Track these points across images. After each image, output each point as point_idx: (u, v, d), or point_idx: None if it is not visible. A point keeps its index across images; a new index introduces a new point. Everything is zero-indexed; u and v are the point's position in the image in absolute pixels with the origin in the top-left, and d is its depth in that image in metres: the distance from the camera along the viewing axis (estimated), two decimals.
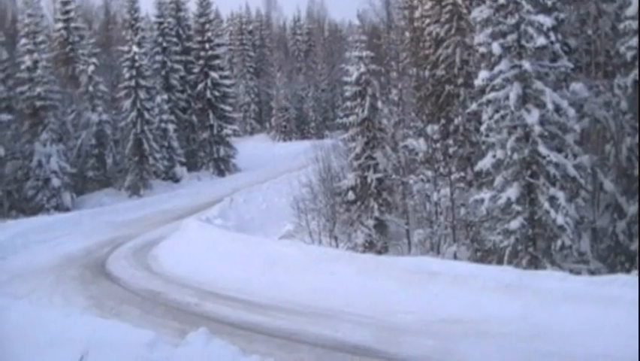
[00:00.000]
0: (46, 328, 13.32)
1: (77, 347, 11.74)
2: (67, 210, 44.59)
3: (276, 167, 51.01)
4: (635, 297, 12.18)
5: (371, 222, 26.88)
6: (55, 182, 45.72)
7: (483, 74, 21.13)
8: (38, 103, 46.66)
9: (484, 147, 22.37)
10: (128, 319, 15.96)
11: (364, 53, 27.84)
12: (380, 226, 27.12)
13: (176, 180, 54.23)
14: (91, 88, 51.32)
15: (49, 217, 38.83)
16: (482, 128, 21.67)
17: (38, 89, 46.68)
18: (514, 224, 20.37)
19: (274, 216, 31.35)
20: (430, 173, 26.13)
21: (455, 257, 23.03)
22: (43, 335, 12.94)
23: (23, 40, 48.40)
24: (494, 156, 21.07)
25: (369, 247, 26.11)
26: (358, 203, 27.56)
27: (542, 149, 20.04)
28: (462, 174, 26.15)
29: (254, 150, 64.55)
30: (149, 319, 16.80)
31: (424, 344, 13.13)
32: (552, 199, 19.94)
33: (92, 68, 51.51)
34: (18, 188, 45.47)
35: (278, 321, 15.91)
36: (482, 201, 21.46)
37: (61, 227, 33.98)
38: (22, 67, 47.48)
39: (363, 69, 27.58)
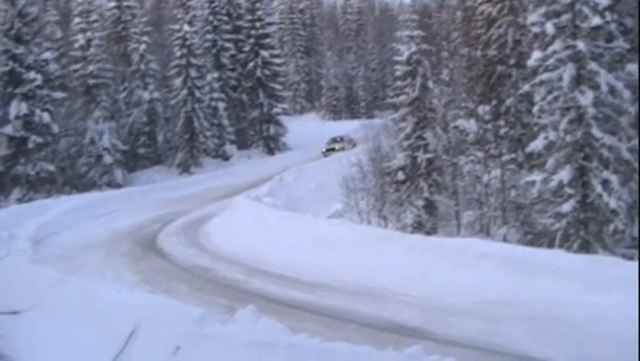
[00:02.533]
0: (97, 302, 13.52)
1: (128, 322, 11.91)
2: (118, 186, 45.17)
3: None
4: None
5: (420, 203, 26.76)
6: (108, 159, 46.32)
7: (536, 55, 20.84)
8: (91, 81, 47.25)
9: (536, 129, 22.10)
10: (178, 295, 16.12)
11: (415, 33, 27.64)
12: (429, 206, 26.98)
13: (226, 158, 54.55)
14: (142, 66, 51.81)
15: (101, 193, 39.37)
16: (534, 109, 21.40)
17: (91, 68, 47.26)
18: (566, 207, 20.10)
19: (323, 196, 31.35)
20: (480, 154, 25.88)
21: (505, 240, 22.80)
22: (95, 309, 13.15)
23: (77, 19, 49.00)
24: (546, 138, 20.79)
25: (418, 227, 26.01)
26: (408, 183, 27.44)
27: (596, 131, 19.74)
28: (513, 155, 25.85)
29: (303, 128, 64.57)
30: (198, 295, 16.95)
31: (472, 326, 13.04)
32: (605, 183, 19.64)
33: (143, 46, 51.97)
34: (71, 164, 46.17)
35: (325, 300, 15.94)
36: (533, 183, 21.22)
37: (112, 203, 34.42)
38: (76, 45, 48.09)
39: (414, 49, 27.38)
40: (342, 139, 57.38)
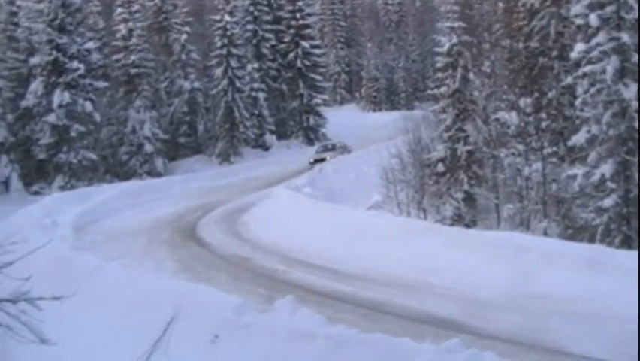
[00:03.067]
0: (138, 290, 13.67)
1: (167, 310, 12.00)
2: (159, 175, 45.54)
3: (365, 137, 50.83)
4: None
5: (460, 195, 26.60)
6: (148, 148, 46.72)
7: (579, 47, 20.58)
8: (133, 71, 47.66)
9: (578, 122, 21.85)
10: (217, 284, 16.21)
11: (456, 24, 27.44)
12: (469, 199, 26.82)
13: (265, 148, 54.72)
14: (183, 56, 52.12)
15: (142, 182, 39.76)
16: (577, 102, 21.16)
17: (133, 57, 47.67)
18: (608, 202, 19.86)
19: (363, 187, 31.32)
20: (521, 147, 25.64)
21: (545, 234, 22.59)
22: (135, 296, 13.29)
23: (119, 10, 49.42)
24: (589, 131, 20.54)
25: (458, 220, 25.87)
26: (448, 175, 27.29)
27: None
28: (554, 148, 25.58)
29: (343, 119, 64.43)
30: (237, 284, 17.04)
31: (511, 320, 12.97)
32: None
33: (184, 36, 52.28)
34: (113, 153, 46.67)
35: (364, 291, 15.95)
36: (575, 177, 20.99)
37: (153, 192, 34.74)
38: (118, 35, 48.54)
39: (455, 40, 27.19)
40: (333, 147, 49.26)
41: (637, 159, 19.70)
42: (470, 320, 13.23)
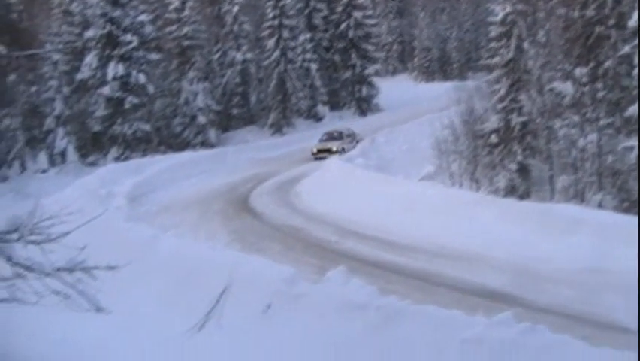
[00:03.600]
0: (191, 260, 13.83)
1: (220, 280, 12.13)
2: (212, 146, 45.85)
3: (417, 107, 50.37)
4: None
5: (513, 167, 26.31)
6: (201, 119, 47.03)
7: (637, 15, 20.13)
8: (185, 42, 47.90)
9: (635, 92, 21.40)
10: (269, 254, 16.29)
11: None
12: (523, 170, 26.51)
13: (318, 118, 54.72)
14: (235, 27, 52.20)
15: (195, 153, 40.05)
16: (634, 72, 20.72)
17: (185, 29, 47.88)
18: None
19: (415, 157, 31.14)
20: (576, 118, 25.23)
21: (600, 206, 22.25)
22: (189, 266, 13.45)
23: None
24: None
25: (511, 191, 25.60)
26: (501, 146, 26.99)
27: None
28: (611, 119, 25.11)
29: (396, 90, 64.05)
30: (290, 255, 17.13)
31: (564, 294, 12.86)
32: None
33: (236, 7, 52.32)
34: (166, 124, 47.09)
35: (416, 262, 15.95)
36: (631, 149, 20.63)
37: (206, 163, 35.00)
38: (170, 8, 48.77)
39: (509, 9, 26.76)
40: (340, 135, 41.01)
41: None
42: (523, 292, 13.15)
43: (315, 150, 38.71)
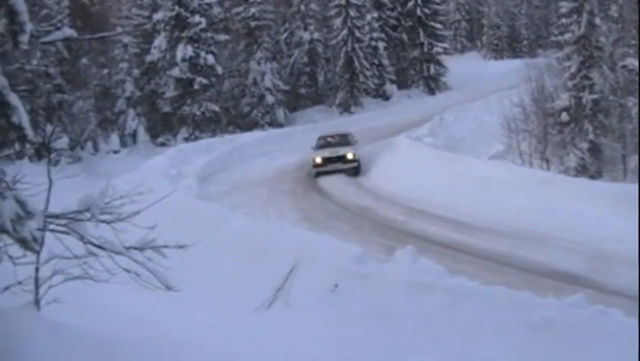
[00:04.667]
0: (260, 239, 13.92)
1: (289, 259, 12.20)
2: (280, 125, 46.07)
3: (486, 86, 49.74)
4: None
5: (585, 146, 25.85)
6: (269, 99, 47.24)
7: None
8: (253, 23, 48.08)
9: None
10: (337, 233, 16.31)
11: None
12: (594, 149, 26.02)
13: (386, 97, 54.47)
14: (303, 7, 52.20)
15: (264, 132, 40.30)
16: None
17: (253, 10, 48.06)
18: None
19: (484, 136, 30.81)
20: None
21: None
22: (258, 245, 13.54)
23: None
24: None
25: (582, 171, 25.17)
26: (572, 125, 26.54)
27: None
28: None
29: (464, 68, 63.35)
30: (358, 234, 17.11)
31: (637, 276, 12.55)
32: None
33: None
34: (235, 105, 47.47)
35: (485, 242, 15.77)
36: None
37: (274, 142, 35.16)
38: None
39: None
40: (346, 138, 29.38)
41: None
42: (594, 274, 12.88)
43: (319, 160, 27.14)
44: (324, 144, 28.85)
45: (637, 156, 24.47)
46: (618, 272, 12.87)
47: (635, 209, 15.16)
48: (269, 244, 13.47)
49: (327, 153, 27.45)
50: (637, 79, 25.30)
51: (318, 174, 26.77)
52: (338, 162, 26.87)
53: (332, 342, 9.80)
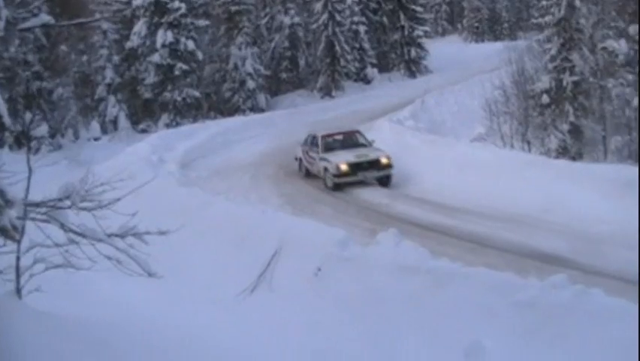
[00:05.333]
0: (243, 224, 13.92)
1: (272, 243, 12.21)
2: (261, 110, 45.92)
3: (467, 69, 49.74)
4: None
5: (565, 127, 25.94)
6: (250, 84, 47.06)
7: None
8: (233, 8, 47.81)
9: None
10: (321, 217, 16.29)
11: None
12: (575, 131, 26.12)
13: (367, 81, 54.40)
14: None
15: (245, 118, 40.17)
16: None
17: None
18: None
19: (465, 119, 30.82)
20: (630, 76, 24.73)
21: None
22: (241, 230, 13.54)
23: None
24: None
25: (563, 152, 25.27)
26: (552, 107, 26.62)
27: None
28: None
29: (445, 51, 63.28)
30: (341, 218, 17.10)
31: (622, 257, 12.61)
32: None
33: None
34: (216, 90, 47.28)
35: (468, 225, 15.84)
36: None
37: (256, 127, 35.08)
38: None
39: None
40: (363, 138, 23.44)
41: None
42: (578, 256, 12.96)
43: (344, 168, 20.85)
44: (333, 144, 22.81)
45: (618, 137, 24.61)
46: (600, 252, 12.97)
47: (616, 190, 15.28)
48: (251, 228, 13.47)
49: (353, 157, 21.10)
50: (616, 60, 25.43)
51: (338, 187, 21.00)
52: (371, 168, 20.82)
53: (316, 326, 9.84)
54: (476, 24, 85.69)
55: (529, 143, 26.47)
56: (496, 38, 78.62)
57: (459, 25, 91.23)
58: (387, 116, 30.92)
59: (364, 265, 11.05)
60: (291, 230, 12.72)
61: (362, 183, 20.97)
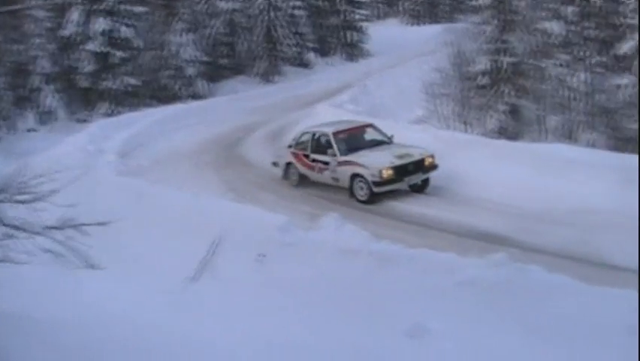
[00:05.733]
0: (184, 212, 13.83)
1: (214, 231, 12.16)
2: (201, 97, 45.54)
3: (407, 51, 50.04)
4: None
5: (503, 108, 26.31)
6: (190, 71, 46.65)
7: None
8: None
9: (623, 30, 21.36)
10: (263, 203, 16.25)
11: None
12: (513, 111, 26.51)
13: (308, 66, 54.32)
14: None
15: (185, 105, 39.78)
16: (623, 9, 20.68)
17: None
18: None
19: (405, 102, 30.97)
20: (566, 57, 25.17)
21: (591, 145, 22.26)
22: (182, 218, 13.46)
23: None
24: (634, 40, 20.22)
25: (502, 132, 25.64)
26: (490, 88, 26.96)
27: None
28: (600, 58, 24.99)
29: (385, 34, 63.42)
30: (283, 204, 17.05)
31: (559, 234, 12.87)
32: None
33: None
34: (155, 78, 46.71)
35: (409, 206, 15.97)
36: (622, 87, 20.69)
37: (196, 114, 34.77)
38: None
39: None
40: (382, 134, 19.01)
41: None
42: (517, 234, 13.18)
43: (389, 173, 16.42)
44: (352, 143, 18.27)
45: (555, 116, 25.05)
46: (539, 230, 13.20)
47: (554, 168, 15.55)
48: (194, 216, 13.40)
49: (393, 157, 16.89)
50: (552, 42, 25.85)
51: (374, 199, 16.67)
52: (418, 171, 16.91)
53: (261, 311, 9.82)
54: (416, 7, 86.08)
55: (467, 124, 26.77)
56: (435, 21, 79.12)
57: (400, 9, 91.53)
58: (327, 100, 30.97)
59: (307, 249, 11.11)
60: (233, 217, 12.70)
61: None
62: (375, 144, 18.35)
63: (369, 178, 16.46)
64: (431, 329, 8.61)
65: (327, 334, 8.93)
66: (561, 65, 25.17)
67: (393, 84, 35.53)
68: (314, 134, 19.08)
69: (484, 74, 26.95)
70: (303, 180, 18.98)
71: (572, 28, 25.28)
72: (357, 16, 58.65)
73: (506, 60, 26.40)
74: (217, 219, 12.75)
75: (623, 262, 11.05)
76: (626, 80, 20.62)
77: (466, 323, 8.71)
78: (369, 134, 18.99)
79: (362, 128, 19.33)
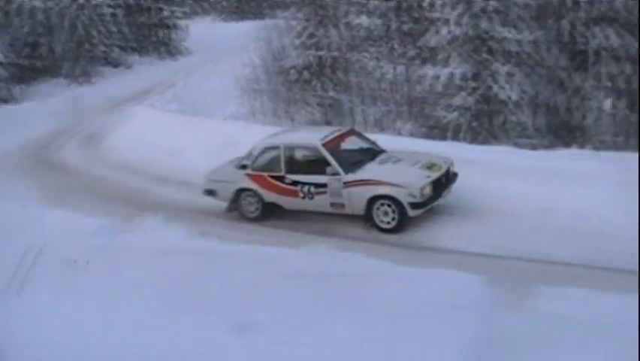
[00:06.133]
0: None
1: (29, 240, 11.75)
2: (14, 102, 43.74)
3: (220, 48, 50.14)
4: None
5: (314, 101, 26.87)
6: (1, 73, 44.74)
7: None
8: None
9: (427, 23, 22.47)
10: (81, 208, 15.90)
11: None
12: (323, 104, 27.07)
13: (128, 65, 53.27)
14: None
15: None
16: (426, 3, 21.84)
17: None
18: (469, 100, 20.83)
19: (217, 98, 30.93)
20: (373, 50, 26.07)
21: (400, 133, 23.14)
22: None
23: None
24: (437, 32, 21.32)
25: (313, 125, 26.13)
26: (301, 82, 27.44)
27: (497, 26, 20.47)
28: (413, 52, 25.90)
29: (205, 32, 63.29)
30: (103, 207, 16.81)
31: None
32: (508, 75, 20.43)
33: None
34: None
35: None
36: (431, 77, 21.75)
37: (7, 119, 33.51)
38: None
39: None
40: (371, 141, 15.67)
41: (495, 59, 20.57)
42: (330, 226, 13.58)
43: (427, 191, 13.33)
44: (354, 157, 14.75)
45: (365, 108, 25.83)
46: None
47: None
48: (7, 225, 12.89)
49: (427, 170, 13.86)
50: (359, 34, 26.61)
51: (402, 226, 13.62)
52: (449, 184, 14.18)
53: (79, 319, 9.58)
54: (235, 3, 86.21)
55: (280, 118, 27.18)
56: (255, 17, 79.48)
57: (218, 6, 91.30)
58: (145, 100, 30.66)
59: (126, 252, 10.96)
60: (48, 224, 12.36)
61: (124, 170, 20.79)
62: (375, 153, 14.90)
63: (405, 200, 13.22)
64: (257, 322, 8.68)
65: (151, 338, 8.82)
66: (376, 59, 25.96)
67: (205, 81, 35.48)
68: (285, 149, 14.83)
69: (296, 68, 27.40)
70: (270, 212, 15.23)
71: (377, 21, 26.16)
72: (175, 14, 58.17)
73: (316, 54, 26.99)
74: (33, 227, 12.35)
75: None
76: (432, 71, 21.68)
77: (292, 314, 8.85)
78: (355, 143, 15.36)
79: (346, 134, 15.49)
